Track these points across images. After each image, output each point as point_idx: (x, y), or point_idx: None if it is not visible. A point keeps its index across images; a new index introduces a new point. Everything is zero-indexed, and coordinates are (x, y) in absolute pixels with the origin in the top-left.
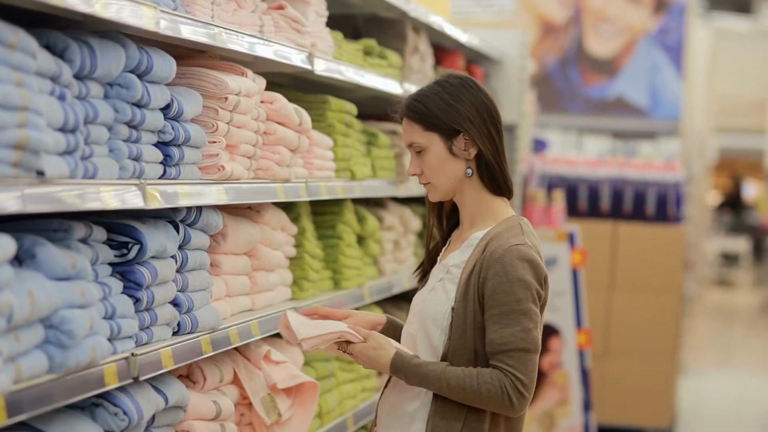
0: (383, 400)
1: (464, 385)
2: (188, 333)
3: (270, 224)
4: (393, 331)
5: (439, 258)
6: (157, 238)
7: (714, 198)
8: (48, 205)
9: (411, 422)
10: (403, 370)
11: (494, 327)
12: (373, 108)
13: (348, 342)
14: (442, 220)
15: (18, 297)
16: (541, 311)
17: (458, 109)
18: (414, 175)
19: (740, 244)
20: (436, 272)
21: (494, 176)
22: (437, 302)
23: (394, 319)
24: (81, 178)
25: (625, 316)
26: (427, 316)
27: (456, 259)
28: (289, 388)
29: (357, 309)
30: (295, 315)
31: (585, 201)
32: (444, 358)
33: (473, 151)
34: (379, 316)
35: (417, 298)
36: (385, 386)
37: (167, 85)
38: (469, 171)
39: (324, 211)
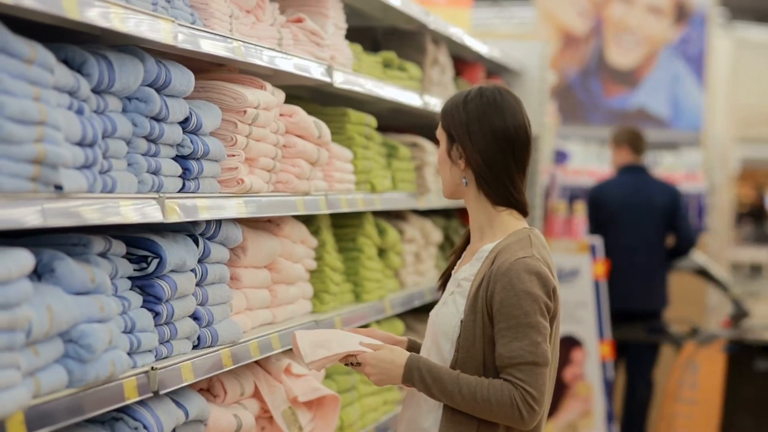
0: (401, 417)
1: (476, 393)
2: (208, 346)
3: (290, 237)
4: (415, 351)
5: (453, 271)
6: (177, 252)
7: (737, 208)
8: (68, 219)
9: None
10: (418, 370)
11: (503, 341)
12: (393, 120)
13: (355, 356)
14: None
15: (37, 311)
16: (551, 323)
17: (461, 118)
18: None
19: (763, 255)
20: (449, 286)
21: (491, 188)
22: (447, 316)
23: (415, 340)
24: (100, 192)
25: None
26: (438, 329)
27: (466, 272)
28: (310, 402)
29: (378, 322)
30: (303, 335)
31: None
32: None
33: (462, 163)
34: (400, 338)
35: (432, 313)
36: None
37: (186, 98)
38: (464, 180)
39: (344, 224)
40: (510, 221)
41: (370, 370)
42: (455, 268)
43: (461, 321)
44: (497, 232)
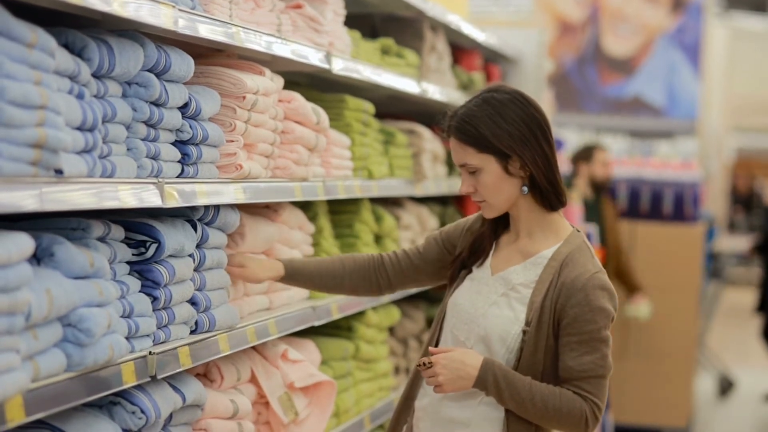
0: (418, 405)
1: (547, 401)
2: (206, 332)
3: (287, 223)
4: (295, 275)
5: (489, 264)
6: (175, 237)
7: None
8: (67, 204)
9: None
10: (493, 375)
11: (572, 354)
12: (391, 107)
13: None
14: (496, 226)
15: (36, 295)
16: None
17: (510, 132)
18: (467, 193)
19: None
20: (491, 283)
21: (546, 195)
22: (504, 320)
23: (291, 261)
24: (99, 177)
25: None
26: (491, 332)
27: (521, 277)
28: (306, 387)
29: (374, 308)
30: None
31: None
32: None
33: (528, 171)
34: (275, 264)
35: (464, 303)
36: (407, 397)
37: (185, 84)
38: (525, 189)
39: (341, 210)
40: (559, 223)
41: (440, 370)
42: (491, 258)
43: (523, 331)
44: (548, 234)
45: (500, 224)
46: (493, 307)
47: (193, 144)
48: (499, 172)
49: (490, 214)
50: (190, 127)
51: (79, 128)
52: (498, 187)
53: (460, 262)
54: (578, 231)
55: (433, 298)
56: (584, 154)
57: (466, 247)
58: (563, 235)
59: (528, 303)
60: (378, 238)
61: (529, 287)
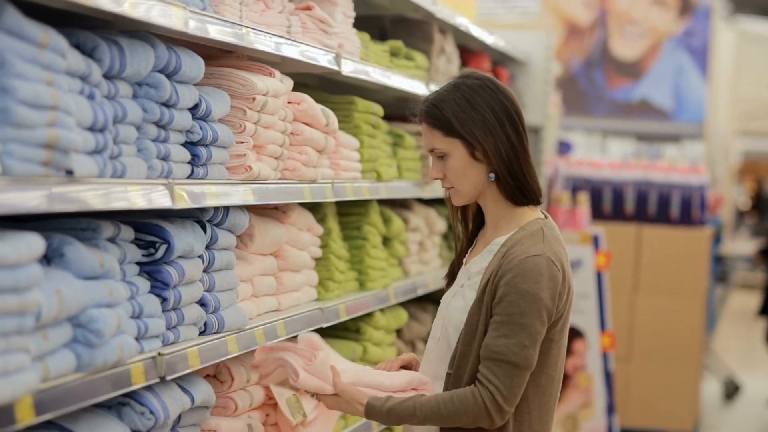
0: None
1: (440, 410)
2: (215, 333)
3: (296, 225)
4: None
5: (464, 260)
6: (185, 238)
7: (744, 201)
8: (77, 204)
9: None
10: (376, 417)
11: (493, 333)
12: (400, 109)
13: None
14: (468, 222)
15: (46, 296)
16: (555, 326)
17: (475, 118)
18: (436, 179)
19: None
20: (460, 276)
21: (509, 187)
22: (457, 310)
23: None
24: (109, 178)
25: (649, 319)
26: (449, 322)
27: (477, 265)
28: None
29: (382, 311)
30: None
31: (609, 203)
32: (451, 364)
33: (491, 158)
34: (409, 356)
35: (443, 300)
36: None
37: (195, 85)
38: (492, 175)
39: (350, 212)
40: (525, 211)
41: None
42: (467, 256)
43: (468, 315)
44: (511, 223)
45: (477, 221)
46: (453, 299)
47: (202, 145)
48: (466, 157)
49: (458, 201)
50: (200, 128)
51: (90, 129)
52: (464, 172)
53: (454, 267)
54: (545, 218)
55: (440, 301)
56: None
57: (456, 256)
58: (524, 222)
59: (476, 289)
60: (386, 240)
61: (480, 274)
